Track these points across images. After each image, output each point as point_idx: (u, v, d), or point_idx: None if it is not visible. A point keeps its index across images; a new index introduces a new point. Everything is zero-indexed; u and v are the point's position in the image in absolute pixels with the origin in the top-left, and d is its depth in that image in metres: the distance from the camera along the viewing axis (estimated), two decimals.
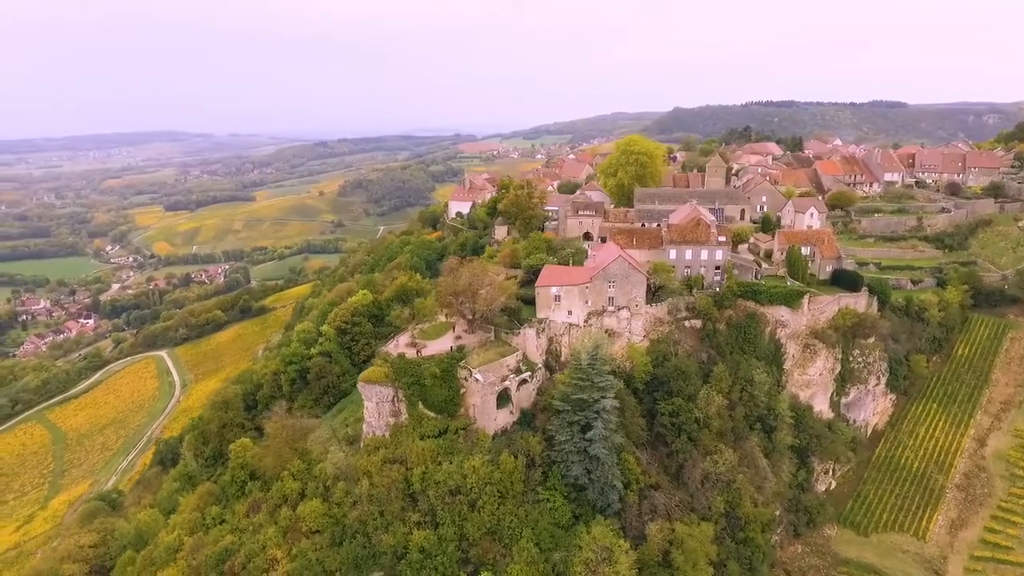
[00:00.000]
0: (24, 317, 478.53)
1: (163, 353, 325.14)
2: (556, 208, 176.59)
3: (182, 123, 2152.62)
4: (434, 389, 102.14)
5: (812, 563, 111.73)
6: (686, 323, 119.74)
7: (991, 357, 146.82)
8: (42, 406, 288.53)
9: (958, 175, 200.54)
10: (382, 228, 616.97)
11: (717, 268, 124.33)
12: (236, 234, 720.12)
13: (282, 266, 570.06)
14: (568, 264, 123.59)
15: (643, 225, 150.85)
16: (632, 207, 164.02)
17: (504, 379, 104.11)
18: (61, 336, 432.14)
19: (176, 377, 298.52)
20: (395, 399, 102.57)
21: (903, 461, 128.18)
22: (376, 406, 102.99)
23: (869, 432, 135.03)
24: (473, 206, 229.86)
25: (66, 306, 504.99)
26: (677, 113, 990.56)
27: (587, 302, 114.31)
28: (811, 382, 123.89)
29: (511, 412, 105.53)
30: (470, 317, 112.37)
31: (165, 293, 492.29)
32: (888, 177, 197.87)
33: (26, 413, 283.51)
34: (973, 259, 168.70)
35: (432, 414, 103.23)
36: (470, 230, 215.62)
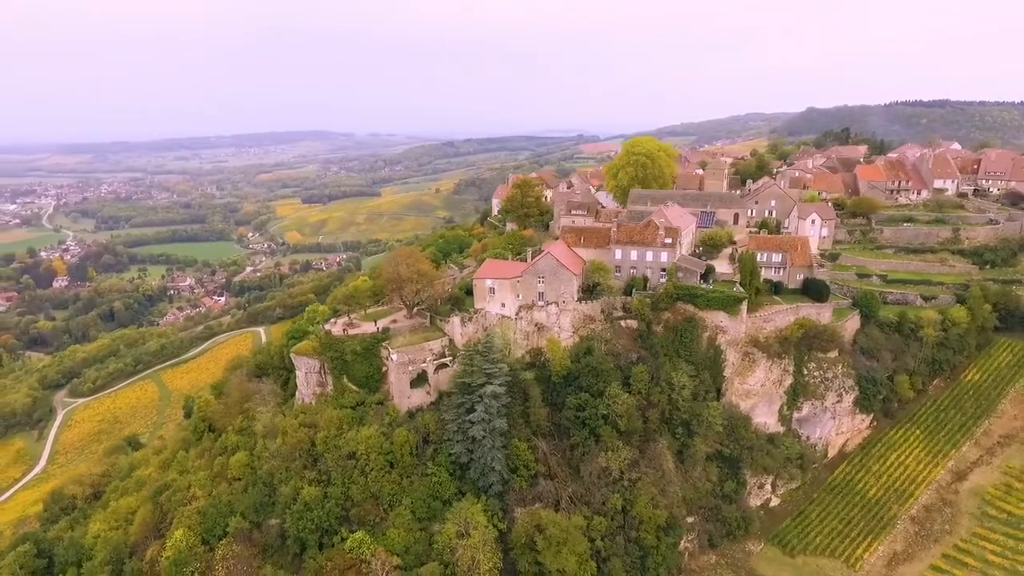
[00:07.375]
0: (171, 292, 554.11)
1: (260, 329, 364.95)
2: None
3: (329, 123, 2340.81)
4: (355, 365, 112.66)
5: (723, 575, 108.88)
6: (622, 323, 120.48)
7: (1004, 386, 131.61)
8: (157, 367, 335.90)
9: None
10: None
11: (663, 270, 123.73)
12: (358, 226, 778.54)
13: None
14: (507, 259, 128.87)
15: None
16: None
17: (422, 361, 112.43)
18: (196, 310, 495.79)
19: None
20: (322, 371, 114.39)
21: (860, 486, 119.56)
22: (305, 375, 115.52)
23: (832, 452, 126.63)
24: None
25: (205, 284, 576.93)
26: (810, 114, 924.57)
27: (518, 296, 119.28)
28: (751, 392, 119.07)
29: (428, 392, 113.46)
30: (408, 304, 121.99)
31: (284, 277, 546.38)
32: (939, 184, 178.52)
33: (144, 372, 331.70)
34: (1018, 277, 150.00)
35: (355, 388, 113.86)
36: (503, 225, 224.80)
